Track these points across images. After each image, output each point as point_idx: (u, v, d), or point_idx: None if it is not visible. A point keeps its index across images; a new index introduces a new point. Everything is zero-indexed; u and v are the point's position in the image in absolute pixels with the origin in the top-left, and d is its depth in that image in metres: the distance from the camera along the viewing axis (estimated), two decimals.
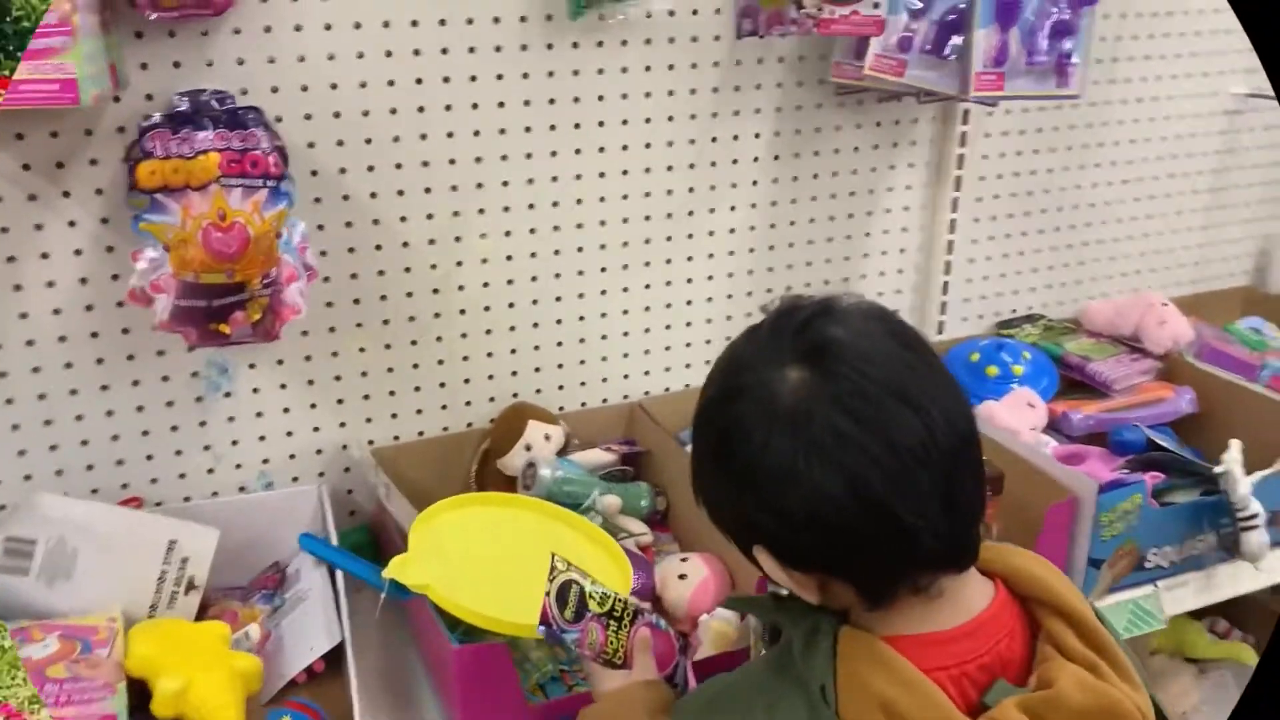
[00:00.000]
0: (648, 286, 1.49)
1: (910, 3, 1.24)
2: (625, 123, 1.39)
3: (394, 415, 1.41)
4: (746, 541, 0.81)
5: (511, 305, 1.42)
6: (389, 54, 1.24)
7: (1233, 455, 1.29)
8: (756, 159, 1.49)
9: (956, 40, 1.24)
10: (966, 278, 1.72)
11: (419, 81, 1.26)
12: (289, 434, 1.36)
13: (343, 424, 1.38)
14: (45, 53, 0.91)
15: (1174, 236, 1.89)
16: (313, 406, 1.35)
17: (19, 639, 1.10)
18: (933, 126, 1.59)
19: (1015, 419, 1.50)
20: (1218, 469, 1.30)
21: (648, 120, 1.40)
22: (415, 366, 1.39)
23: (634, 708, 0.94)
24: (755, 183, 1.50)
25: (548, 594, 1.02)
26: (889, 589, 0.77)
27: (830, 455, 0.71)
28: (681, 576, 1.28)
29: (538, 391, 1.48)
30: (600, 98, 1.36)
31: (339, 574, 1.21)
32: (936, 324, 1.70)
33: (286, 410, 1.34)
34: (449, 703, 1.07)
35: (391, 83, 1.25)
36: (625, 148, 1.40)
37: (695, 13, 1.37)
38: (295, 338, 1.30)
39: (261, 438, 1.34)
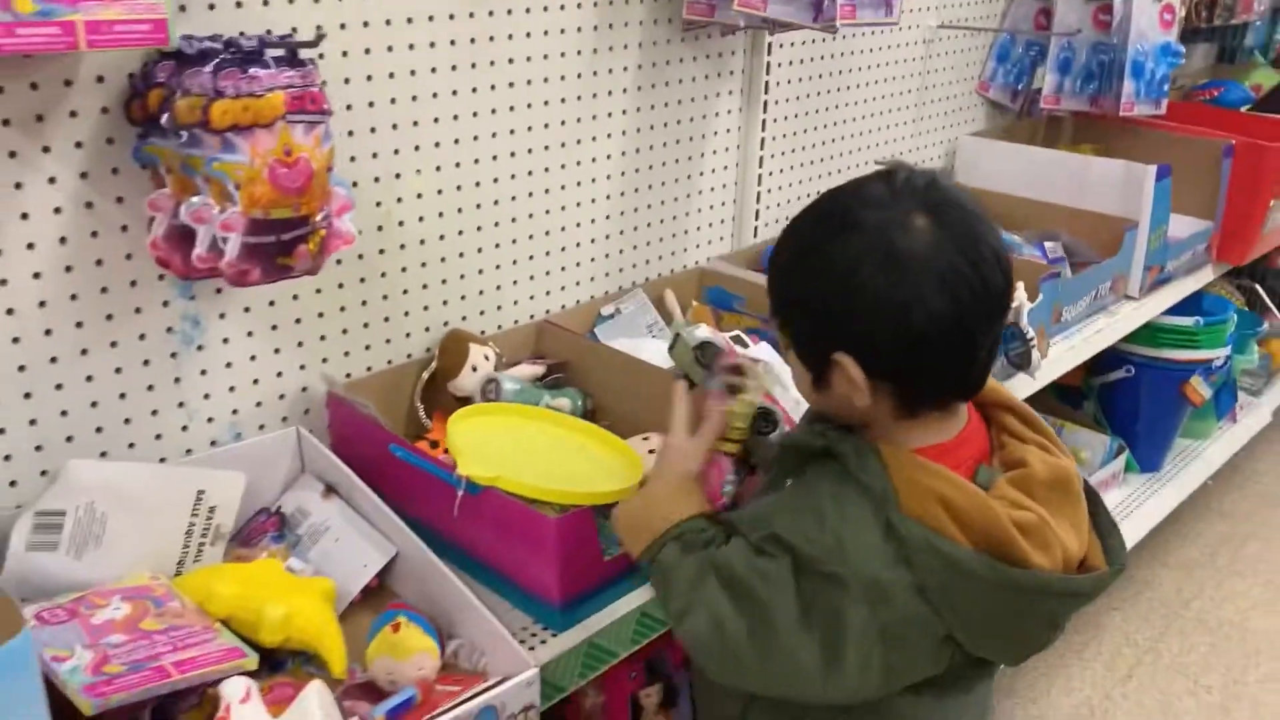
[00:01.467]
0: (547, 212, 1.64)
1: None
2: (529, 60, 1.53)
3: (346, 353, 1.45)
4: (830, 348, 0.98)
5: (442, 237, 1.51)
6: None
7: (1021, 290, 1.72)
8: (625, 90, 1.68)
9: None
10: (766, 189, 2.02)
11: (365, 25, 1.32)
12: (255, 382, 1.37)
13: (302, 366, 1.41)
14: None
15: (894, 145, 2.33)
16: (276, 351, 1.37)
17: (83, 607, 1.08)
18: (744, 58, 1.86)
19: None
20: (1014, 303, 1.71)
21: (545, 56, 1.55)
22: (364, 304, 1.45)
23: (686, 501, 1.10)
24: (625, 111, 1.69)
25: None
26: (929, 401, 1.01)
27: (948, 287, 0.93)
28: (651, 451, 1.47)
29: (463, 318, 1.58)
30: (509, 36, 1.49)
31: (370, 500, 1.27)
32: (753, 229, 2.00)
33: (253, 358, 1.35)
34: (536, 575, 1.19)
35: (344, 26, 1.30)
36: (529, 82, 1.54)
37: None
38: None
39: (231, 388, 1.34)
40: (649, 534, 1.08)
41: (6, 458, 1.17)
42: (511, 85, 1.52)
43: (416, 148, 1.43)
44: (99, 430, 1.24)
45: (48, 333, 1.16)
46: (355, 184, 1.38)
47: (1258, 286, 3.05)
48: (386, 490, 1.31)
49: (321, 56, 1.28)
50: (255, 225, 1.05)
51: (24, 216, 1.11)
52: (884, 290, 0.94)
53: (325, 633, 1.12)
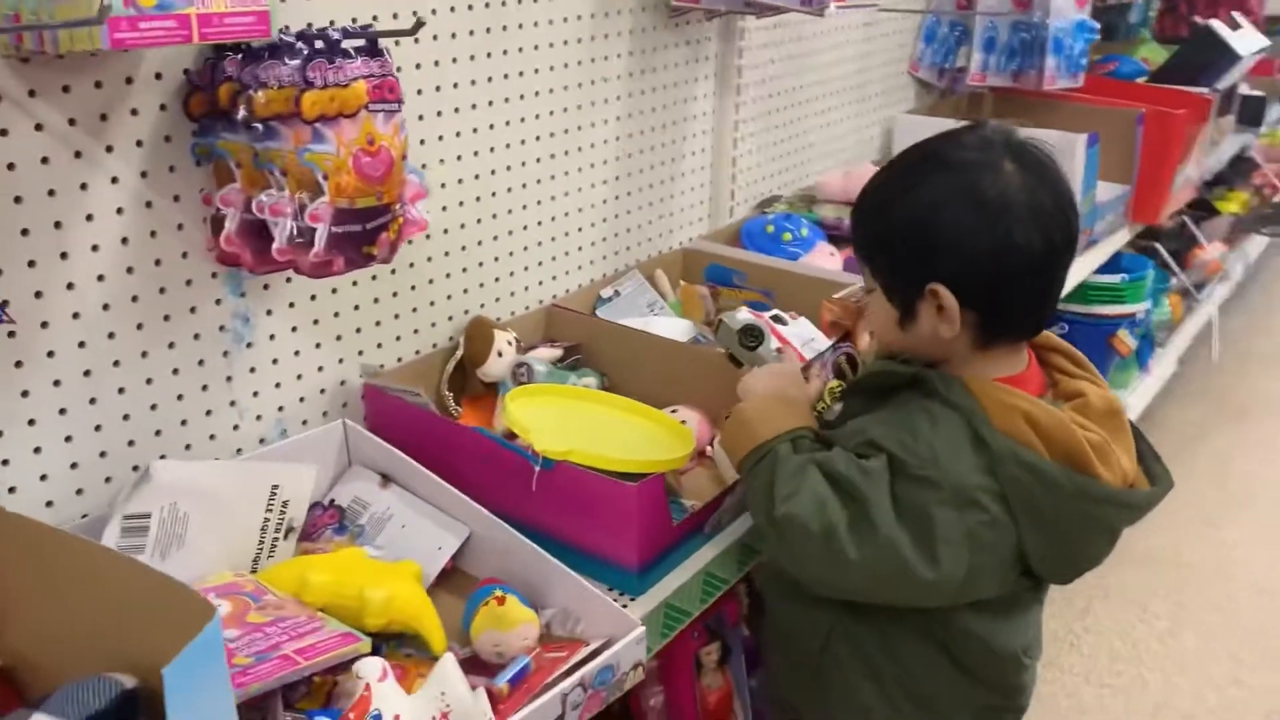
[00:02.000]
0: (553, 198, 1.67)
1: None
2: (536, 49, 1.56)
3: (379, 345, 1.46)
4: (925, 279, 1.07)
5: (463, 226, 1.53)
6: None
7: None
8: (619, 77, 1.73)
9: None
10: (741, 169, 2.09)
11: (395, 16, 1.33)
12: (299, 377, 1.37)
13: (340, 360, 1.41)
14: None
15: (841, 125, 2.44)
16: (317, 346, 1.38)
17: None
18: (717, 44, 1.93)
19: (829, 263, 1.93)
20: None
21: (551, 45, 1.58)
22: (394, 295, 1.46)
23: (797, 416, 1.20)
24: (619, 98, 1.74)
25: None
26: (1005, 335, 1.12)
27: (1039, 225, 1.05)
28: (682, 422, 1.52)
29: (481, 306, 1.61)
30: (520, 25, 1.52)
31: (435, 484, 1.28)
32: (729, 208, 2.07)
33: (296, 353, 1.35)
34: (613, 542, 1.23)
35: (375, 18, 1.31)
36: (536, 71, 1.57)
37: None
38: (301, 278, 1.32)
39: (277, 385, 1.34)
40: (765, 435, 1.15)
41: (73, 465, 1.15)
42: (521, 74, 1.55)
43: (440, 138, 1.45)
44: (158, 433, 1.22)
45: (110, 336, 1.15)
46: None
47: (1158, 245, 3.29)
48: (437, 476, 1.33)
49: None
50: (342, 215, 1.06)
51: (89, 218, 1.10)
52: (983, 222, 1.04)
53: (424, 613, 1.14)
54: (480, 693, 1.03)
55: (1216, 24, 2.98)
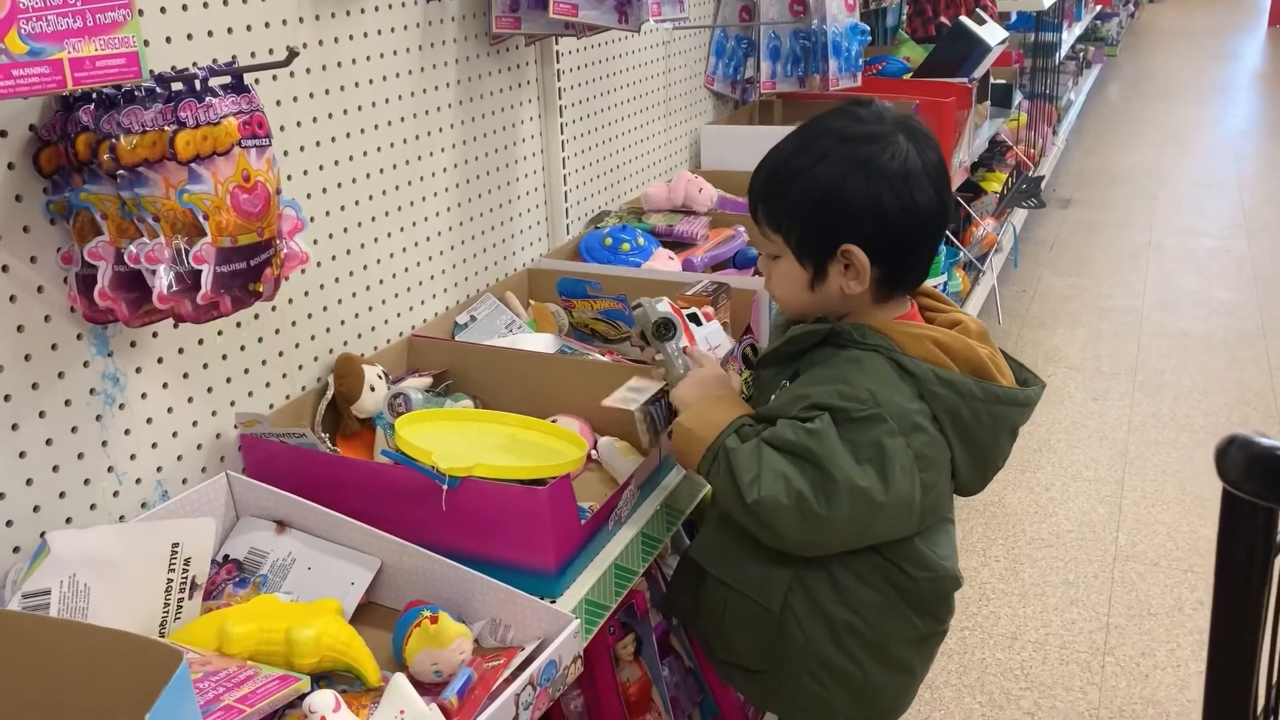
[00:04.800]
0: (402, 229, 1.68)
1: None
2: (372, 82, 1.57)
3: (250, 393, 1.43)
4: (838, 241, 1.18)
5: (319, 265, 1.52)
6: (210, 33, 1.28)
7: None
8: (450, 106, 1.75)
9: None
10: (572, 186, 2.16)
11: (234, 59, 1.32)
12: (174, 435, 1.32)
13: (214, 412, 1.37)
14: (110, 27, 0.90)
15: (655, 139, 2.54)
16: (190, 400, 1.33)
17: None
18: (537, 68, 1.99)
19: (669, 267, 2.01)
20: None
21: (385, 78, 1.59)
22: (260, 340, 1.43)
23: (734, 408, 1.27)
24: (453, 125, 1.77)
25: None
26: (900, 286, 1.24)
27: (932, 182, 1.19)
28: None
29: (345, 344, 1.59)
30: (354, 61, 1.53)
31: (335, 520, 1.27)
32: (565, 225, 2.12)
33: (170, 410, 1.31)
34: (527, 548, 1.26)
35: (215, 60, 1.29)
36: (374, 105, 1.58)
37: None
38: (168, 331, 1.28)
39: (154, 445, 1.29)
40: (710, 435, 1.22)
41: None
42: (360, 109, 1.55)
43: (289, 177, 1.44)
44: (36, 509, 1.16)
45: None
46: None
47: None
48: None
49: None
50: (226, 254, 1.05)
51: None
52: (891, 188, 1.17)
53: (354, 645, 1.12)
54: (434, 708, 1.03)
55: (965, 20, 3.29)
